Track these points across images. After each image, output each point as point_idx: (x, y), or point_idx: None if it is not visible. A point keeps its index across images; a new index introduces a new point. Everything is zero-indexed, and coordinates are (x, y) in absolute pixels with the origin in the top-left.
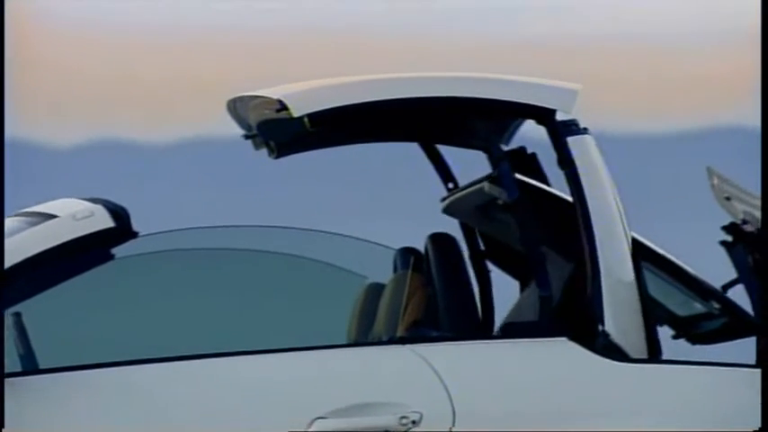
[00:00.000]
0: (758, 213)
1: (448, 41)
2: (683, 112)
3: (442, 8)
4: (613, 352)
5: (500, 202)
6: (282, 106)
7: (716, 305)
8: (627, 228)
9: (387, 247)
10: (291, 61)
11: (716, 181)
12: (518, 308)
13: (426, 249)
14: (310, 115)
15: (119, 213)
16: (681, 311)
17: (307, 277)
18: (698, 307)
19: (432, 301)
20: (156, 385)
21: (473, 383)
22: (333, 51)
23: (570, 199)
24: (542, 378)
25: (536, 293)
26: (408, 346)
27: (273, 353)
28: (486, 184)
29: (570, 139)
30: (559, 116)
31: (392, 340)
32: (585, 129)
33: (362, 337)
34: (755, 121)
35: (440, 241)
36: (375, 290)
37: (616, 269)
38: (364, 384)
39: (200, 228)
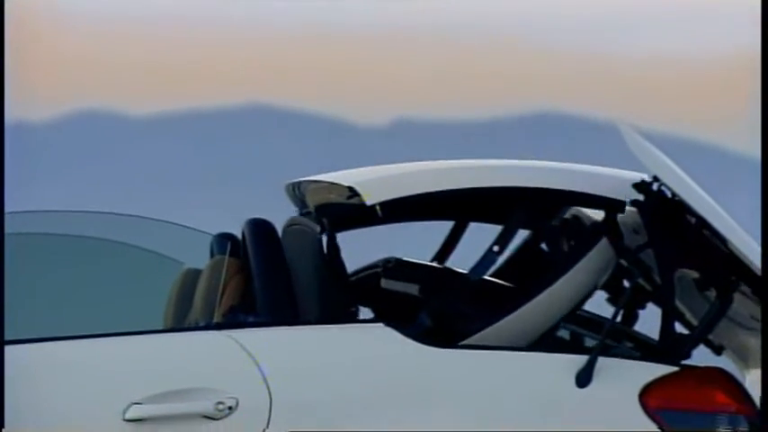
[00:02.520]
0: None
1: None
2: (490, 102)
3: None
4: (431, 337)
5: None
6: (354, 193)
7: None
8: (554, 324)
9: (203, 232)
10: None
11: None
12: None
13: (243, 235)
14: (382, 203)
15: None
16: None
17: (123, 262)
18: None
19: (249, 286)
20: None
21: (290, 369)
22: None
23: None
24: (359, 363)
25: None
26: (225, 331)
27: (90, 338)
28: (383, 281)
29: (603, 242)
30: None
31: (209, 326)
32: (618, 256)
33: (179, 323)
34: (558, 109)
35: (257, 227)
36: (192, 275)
37: (513, 331)
38: (181, 370)
39: (14, 213)
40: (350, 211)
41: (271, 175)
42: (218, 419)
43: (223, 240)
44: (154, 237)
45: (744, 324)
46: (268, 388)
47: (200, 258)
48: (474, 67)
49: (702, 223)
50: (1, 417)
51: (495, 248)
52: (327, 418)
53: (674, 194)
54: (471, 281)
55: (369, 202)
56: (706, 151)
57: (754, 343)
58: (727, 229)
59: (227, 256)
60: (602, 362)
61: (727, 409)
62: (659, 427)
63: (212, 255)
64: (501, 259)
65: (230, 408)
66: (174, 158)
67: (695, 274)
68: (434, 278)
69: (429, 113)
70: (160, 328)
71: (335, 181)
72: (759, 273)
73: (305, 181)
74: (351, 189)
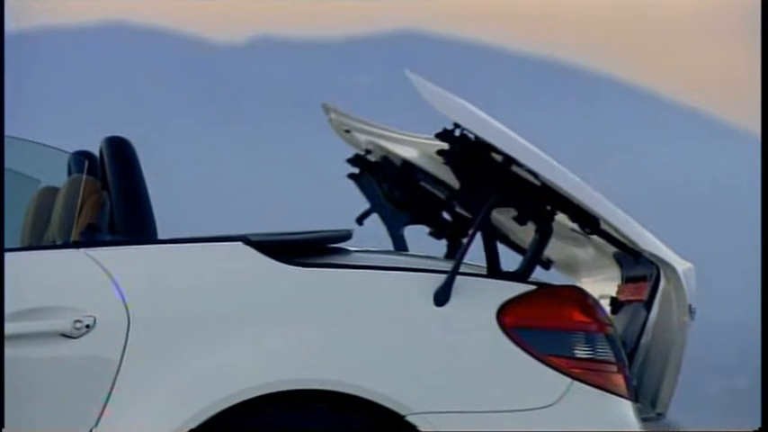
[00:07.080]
0: (381, 141)
1: None
2: (347, 20)
3: None
4: (288, 255)
5: None
6: None
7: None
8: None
9: (61, 150)
10: None
11: (333, 115)
12: None
13: (101, 153)
14: None
15: None
16: None
17: None
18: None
19: (106, 204)
20: None
21: (148, 287)
22: None
23: None
24: (217, 280)
25: None
26: (83, 249)
27: None
28: None
29: None
30: None
31: (66, 244)
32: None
33: (36, 241)
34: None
35: (114, 145)
36: (49, 193)
37: None
38: (37, 288)
39: None
40: None
41: (129, 93)
42: (75, 338)
43: (80, 158)
44: (10, 154)
45: (566, 236)
46: (126, 306)
47: (58, 176)
48: None
49: (510, 160)
50: (1, 417)
51: None
52: (185, 336)
53: (476, 137)
54: None
55: None
56: (572, 73)
57: (580, 252)
58: (534, 161)
59: (84, 175)
60: (461, 281)
61: (585, 327)
62: (516, 345)
63: (70, 173)
64: None
65: (88, 326)
66: (31, 76)
67: (513, 212)
68: None
69: (287, 31)
70: (17, 246)
71: None
72: (573, 197)
73: None
74: None
